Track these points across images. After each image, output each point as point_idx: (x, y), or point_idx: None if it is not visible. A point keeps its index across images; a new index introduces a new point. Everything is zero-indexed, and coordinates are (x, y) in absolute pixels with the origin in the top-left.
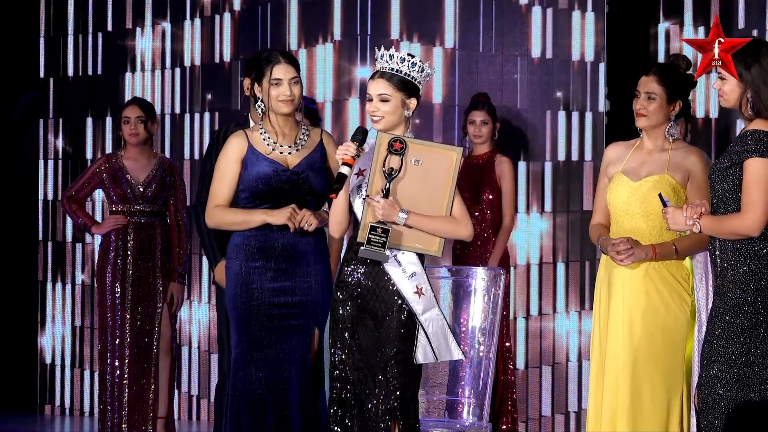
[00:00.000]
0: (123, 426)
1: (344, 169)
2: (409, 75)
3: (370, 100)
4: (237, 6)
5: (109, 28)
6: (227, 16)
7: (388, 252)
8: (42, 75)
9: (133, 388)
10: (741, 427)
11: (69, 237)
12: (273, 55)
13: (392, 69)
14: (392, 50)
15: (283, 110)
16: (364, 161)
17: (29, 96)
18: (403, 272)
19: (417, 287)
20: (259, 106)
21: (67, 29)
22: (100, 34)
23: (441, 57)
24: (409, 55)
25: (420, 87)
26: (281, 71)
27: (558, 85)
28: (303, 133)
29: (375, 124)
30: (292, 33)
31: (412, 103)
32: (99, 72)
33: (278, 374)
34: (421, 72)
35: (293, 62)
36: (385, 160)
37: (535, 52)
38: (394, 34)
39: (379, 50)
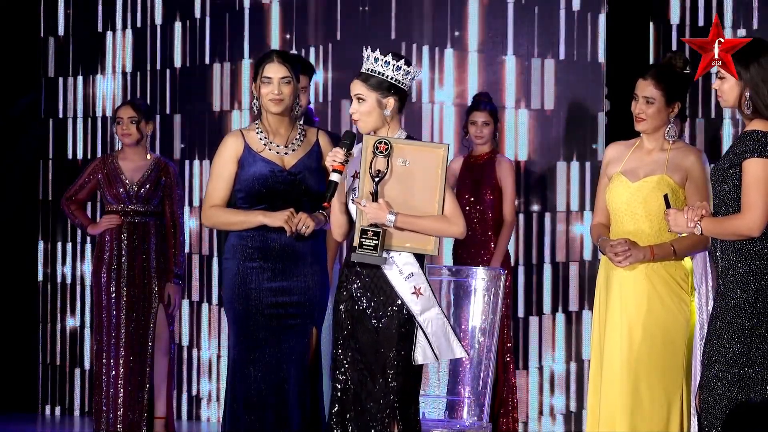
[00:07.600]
0: (118, 426)
1: (334, 176)
2: (383, 74)
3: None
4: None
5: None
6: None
7: (385, 254)
8: (42, 73)
9: (128, 388)
10: (742, 427)
11: (69, 237)
12: (269, 53)
13: (368, 69)
14: (377, 53)
15: (272, 109)
16: (359, 164)
17: (29, 96)
18: (400, 273)
19: (415, 288)
20: (254, 104)
21: (69, 29)
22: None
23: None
24: (394, 56)
25: (401, 86)
26: (272, 70)
27: (558, 84)
28: (299, 133)
29: (355, 123)
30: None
31: (389, 102)
32: (100, 72)
33: (277, 374)
34: (398, 71)
35: (287, 62)
36: (371, 163)
37: (536, 51)
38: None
39: (365, 52)
